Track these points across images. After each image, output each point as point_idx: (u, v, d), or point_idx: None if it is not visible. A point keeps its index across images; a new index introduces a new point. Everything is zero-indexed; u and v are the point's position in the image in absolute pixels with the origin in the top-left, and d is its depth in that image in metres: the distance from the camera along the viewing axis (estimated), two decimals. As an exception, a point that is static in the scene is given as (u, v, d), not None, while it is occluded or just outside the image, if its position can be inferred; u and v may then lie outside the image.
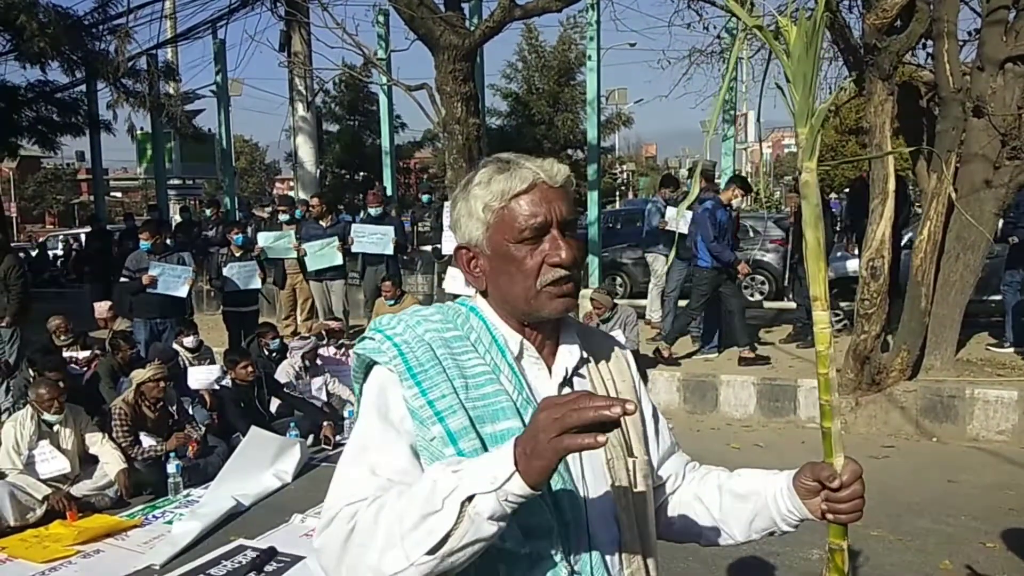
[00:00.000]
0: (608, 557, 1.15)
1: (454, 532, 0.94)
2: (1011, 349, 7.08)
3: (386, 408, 1.13)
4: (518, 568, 1.09)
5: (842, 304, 8.40)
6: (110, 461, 5.15)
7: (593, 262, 10.21)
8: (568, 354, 1.23)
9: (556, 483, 1.11)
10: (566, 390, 1.20)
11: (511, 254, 1.16)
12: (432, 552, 0.95)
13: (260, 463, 5.30)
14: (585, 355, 1.26)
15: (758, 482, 1.30)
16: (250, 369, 6.34)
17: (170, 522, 4.76)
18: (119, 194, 40.37)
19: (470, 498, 0.94)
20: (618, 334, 6.91)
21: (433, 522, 0.95)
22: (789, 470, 1.27)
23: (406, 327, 1.19)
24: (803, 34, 1.09)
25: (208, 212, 14.16)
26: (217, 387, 6.52)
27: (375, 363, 1.18)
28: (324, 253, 8.66)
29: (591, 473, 1.18)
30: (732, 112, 12.30)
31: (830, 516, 1.19)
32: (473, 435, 1.10)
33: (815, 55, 1.09)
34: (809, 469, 1.21)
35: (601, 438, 0.91)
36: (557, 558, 1.09)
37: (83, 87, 14.65)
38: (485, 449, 1.09)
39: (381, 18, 10.56)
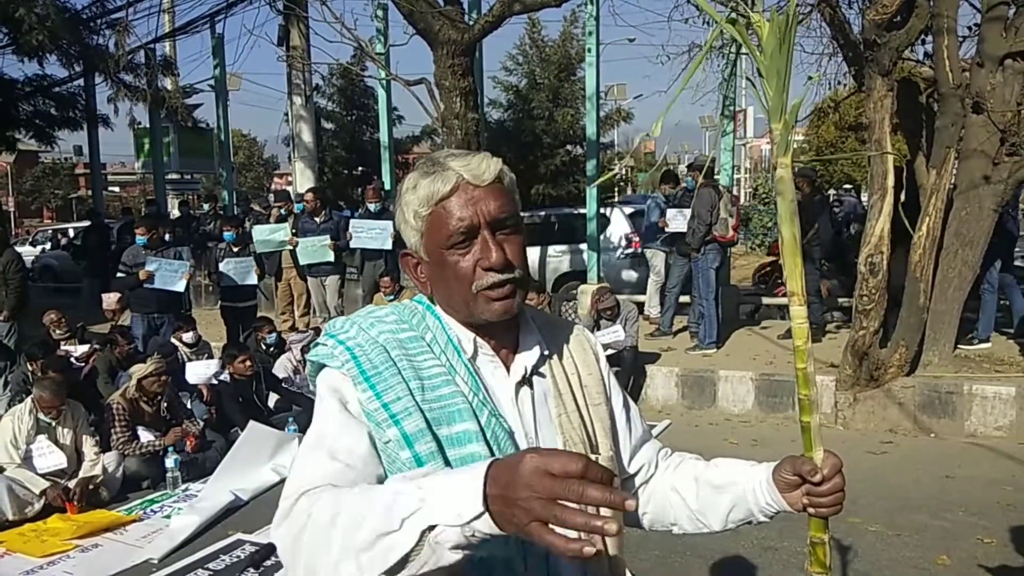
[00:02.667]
0: (568, 564, 1.11)
1: (414, 557, 0.88)
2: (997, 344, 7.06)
3: (344, 401, 1.12)
4: None
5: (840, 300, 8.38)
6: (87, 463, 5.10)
7: (591, 258, 10.18)
8: (527, 351, 1.21)
9: None
10: (525, 389, 1.19)
11: (445, 260, 1.14)
12: (390, 573, 0.89)
13: (258, 458, 5.30)
14: (547, 352, 1.23)
15: (736, 473, 1.30)
16: (248, 364, 6.34)
17: (168, 516, 4.76)
18: (117, 188, 40.28)
19: (432, 526, 0.87)
20: (618, 329, 6.92)
21: (391, 541, 0.88)
22: (768, 463, 1.27)
23: (359, 330, 1.17)
24: (776, 30, 1.07)
25: (206, 207, 14.15)
26: (215, 382, 6.52)
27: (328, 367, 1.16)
28: (316, 250, 8.66)
29: None
30: (732, 108, 12.26)
31: (811, 510, 1.18)
32: (430, 437, 1.08)
33: (788, 51, 1.07)
34: (789, 463, 1.20)
35: (589, 550, 0.78)
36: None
37: (81, 81, 14.62)
38: (442, 451, 1.08)
39: (380, 12, 10.51)
